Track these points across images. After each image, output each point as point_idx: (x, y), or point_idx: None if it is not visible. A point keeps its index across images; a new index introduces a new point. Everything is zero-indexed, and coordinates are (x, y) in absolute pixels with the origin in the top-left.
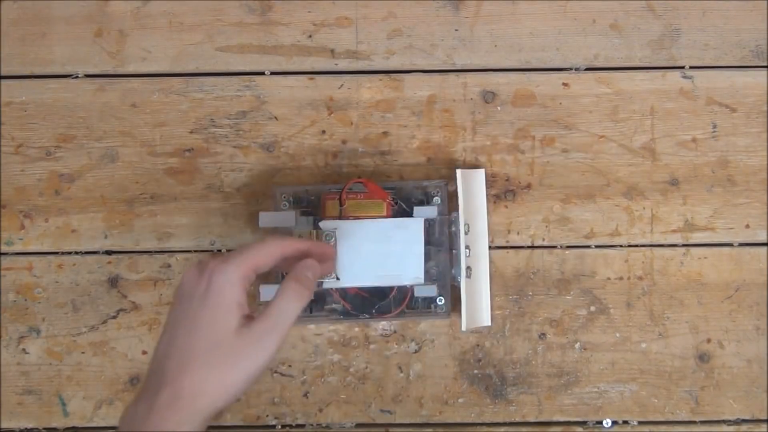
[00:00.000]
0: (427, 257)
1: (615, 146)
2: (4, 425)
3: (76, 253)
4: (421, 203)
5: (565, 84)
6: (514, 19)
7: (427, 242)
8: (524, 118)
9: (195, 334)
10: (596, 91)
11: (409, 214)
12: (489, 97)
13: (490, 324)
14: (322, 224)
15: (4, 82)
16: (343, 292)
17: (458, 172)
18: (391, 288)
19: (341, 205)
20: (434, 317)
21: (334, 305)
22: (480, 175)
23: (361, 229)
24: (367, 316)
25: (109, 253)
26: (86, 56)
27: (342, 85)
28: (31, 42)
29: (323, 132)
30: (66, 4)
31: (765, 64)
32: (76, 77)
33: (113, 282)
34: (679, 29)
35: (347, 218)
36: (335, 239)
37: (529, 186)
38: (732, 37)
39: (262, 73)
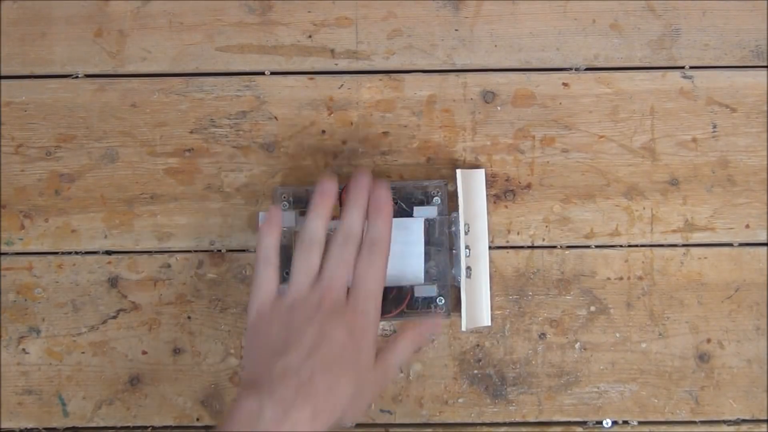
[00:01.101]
0: (427, 257)
1: (615, 146)
2: (4, 425)
3: (76, 253)
4: (421, 203)
5: (565, 84)
6: (514, 19)
7: (427, 242)
8: (524, 118)
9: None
10: (596, 91)
11: (409, 214)
12: (489, 97)
13: (490, 324)
14: None
15: (4, 82)
16: None
17: (458, 172)
18: (391, 288)
19: (341, 205)
20: (434, 317)
21: None
22: (480, 175)
23: None
24: None
25: (109, 253)
26: (86, 56)
27: (342, 85)
28: (31, 42)
29: (323, 132)
30: (66, 4)
31: (765, 64)
32: (76, 77)
33: (113, 282)
34: (679, 29)
35: None
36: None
37: (529, 186)
38: (732, 37)
39: (262, 73)
